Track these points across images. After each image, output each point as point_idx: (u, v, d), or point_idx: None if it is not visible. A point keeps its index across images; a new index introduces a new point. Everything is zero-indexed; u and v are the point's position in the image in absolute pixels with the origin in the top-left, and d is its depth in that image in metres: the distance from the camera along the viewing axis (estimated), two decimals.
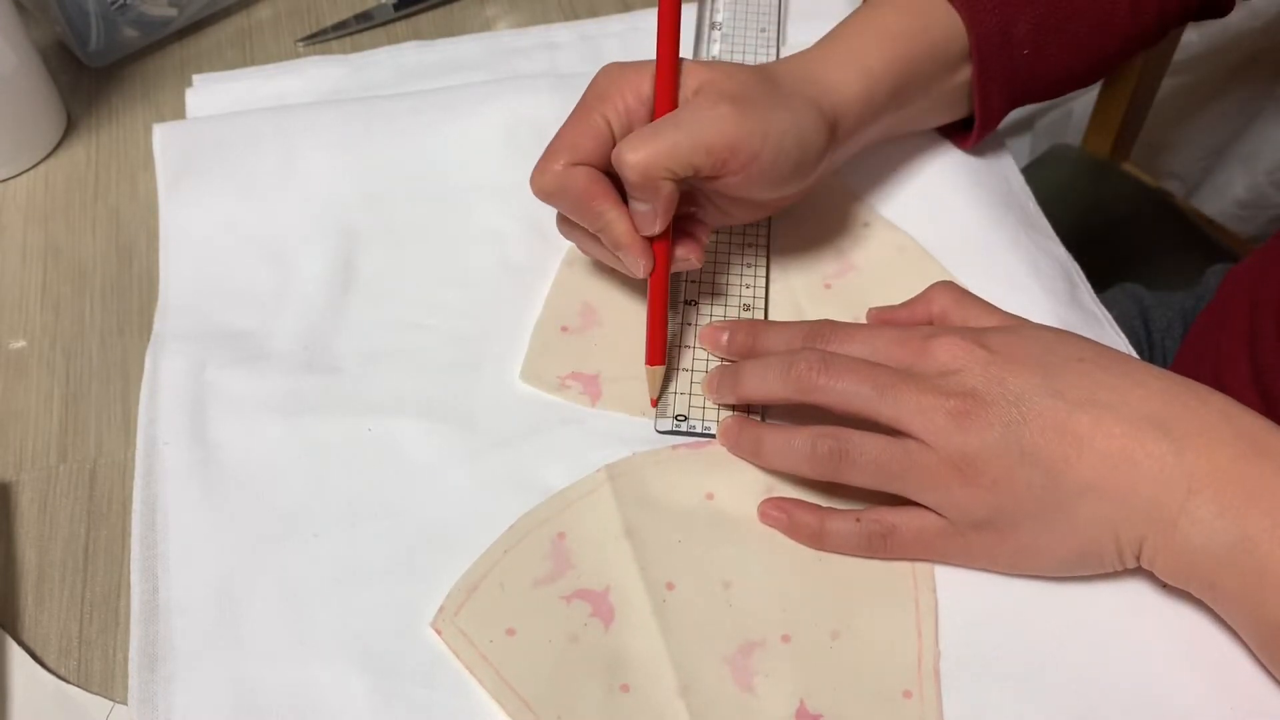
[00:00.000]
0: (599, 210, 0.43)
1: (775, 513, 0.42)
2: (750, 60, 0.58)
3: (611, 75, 0.44)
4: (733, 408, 0.45)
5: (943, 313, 0.44)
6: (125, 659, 0.39)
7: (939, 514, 0.39)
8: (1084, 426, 0.37)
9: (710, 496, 0.43)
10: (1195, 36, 1.07)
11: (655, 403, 0.46)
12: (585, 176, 0.43)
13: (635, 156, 0.41)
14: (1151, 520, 0.36)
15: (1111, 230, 0.88)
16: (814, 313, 0.49)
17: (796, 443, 0.41)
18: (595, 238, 0.45)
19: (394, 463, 0.44)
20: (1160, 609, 0.40)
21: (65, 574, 0.43)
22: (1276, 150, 1.14)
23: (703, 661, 0.39)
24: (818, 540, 0.41)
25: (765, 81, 0.45)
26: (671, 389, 0.46)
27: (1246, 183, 1.17)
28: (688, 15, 0.60)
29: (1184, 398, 0.37)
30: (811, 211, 0.52)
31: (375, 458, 0.44)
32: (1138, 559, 0.38)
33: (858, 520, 0.41)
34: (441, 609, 0.40)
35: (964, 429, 0.37)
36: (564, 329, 0.48)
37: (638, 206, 0.43)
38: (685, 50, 0.57)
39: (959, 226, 0.51)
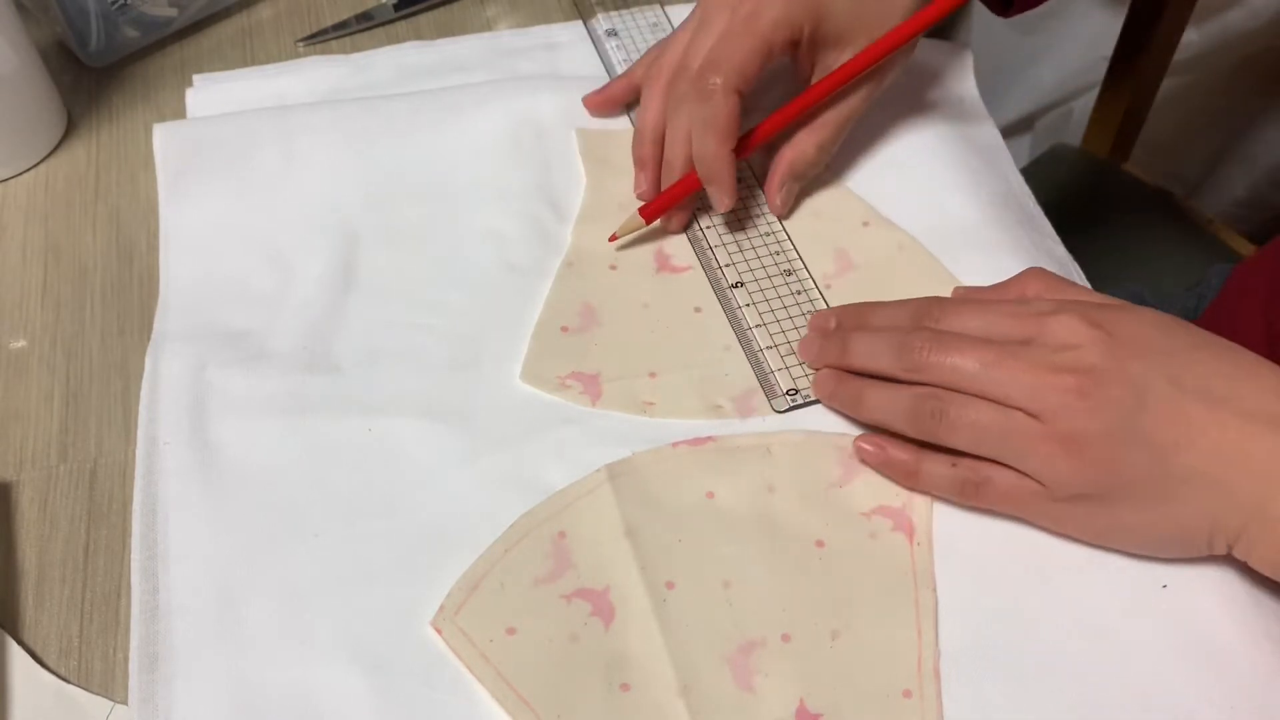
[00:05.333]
0: (730, 144, 0.47)
1: (869, 447, 0.43)
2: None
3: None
4: None
5: (1037, 297, 0.43)
6: (125, 659, 0.39)
7: (1036, 480, 0.39)
8: (1198, 415, 0.37)
9: (710, 496, 0.43)
10: (1195, 36, 1.06)
11: (614, 237, 0.50)
12: (738, 108, 0.47)
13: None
14: (1255, 513, 0.37)
15: (1111, 230, 0.88)
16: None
17: (898, 399, 0.42)
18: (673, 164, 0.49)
19: (394, 462, 0.44)
20: (1161, 609, 0.40)
21: (65, 574, 0.43)
22: (1276, 150, 1.14)
23: (703, 661, 0.39)
24: (912, 479, 0.42)
25: None
26: (766, 369, 0.46)
27: (1246, 183, 1.17)
28: (581, 33, 0.62)
29: None
30: (811, 211, 0.52)
31: (375, 457, 0.44)
32: (1229, 548, 0.38)
33: (954, 465, 0.41)
34: (442, 608, 0.40)
35: (1079, 408, 0.37)
36: (564, 329, 0.48)
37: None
38: (598, 69, 0.60)
39: (959, 226, 0.51)
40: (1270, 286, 0.59)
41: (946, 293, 0.49)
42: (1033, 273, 0.45)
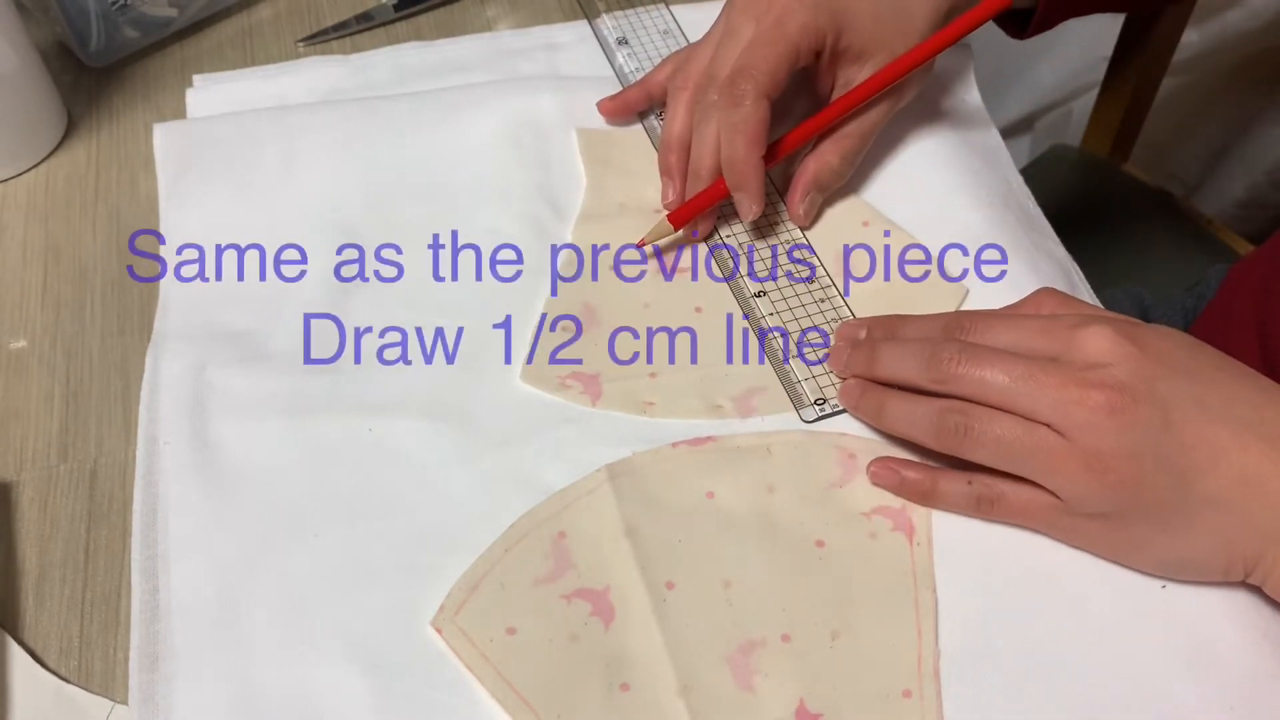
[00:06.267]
0: (760, 150, 0.47)
1: (883, 471, 0.43)
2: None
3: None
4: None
5: (1053, 315, 0.43)
6: (125, 659, 0.39)
7: (1054, 494, 0.39)
8: (1223, 440, 0.37)
9: (710, 496, 0.43)
10: (1195, 36, 1.07)
11: (643, 243, 0.50)
12: (769, 113, 0.47)
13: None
14: (1273, 540, 0.37)
15: (1111, 230, 0.88)
16: None
17: (921, 412, 0.41)
18: (704, 167, 0.49)
19: (394, 462, 0.44)
20: (1161, 609, 0.40)
21: (65, 574, 0.43)
22: (1276, 150, 1.14)
23: (703, 661, 0.39)
24: (928, 498, 0.42)
25: None
26: (793, 378, 0.46)
27: (1246, 183, 1.17)
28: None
29: None
30: None
31: (376, 457, 0.44)
32: (1246, 575, 0.38)
33: (969, 483, 0.41)
34: (442, 608, 0.40)
35: (1106, 426, 0.37)
36: (564, 329, 0.48)
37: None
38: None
39: (959, 226, 0.51)
40: (1263, 284, 0.59)
41: (945, 295, 0.49)
42: (1044, 294, 0.44)
